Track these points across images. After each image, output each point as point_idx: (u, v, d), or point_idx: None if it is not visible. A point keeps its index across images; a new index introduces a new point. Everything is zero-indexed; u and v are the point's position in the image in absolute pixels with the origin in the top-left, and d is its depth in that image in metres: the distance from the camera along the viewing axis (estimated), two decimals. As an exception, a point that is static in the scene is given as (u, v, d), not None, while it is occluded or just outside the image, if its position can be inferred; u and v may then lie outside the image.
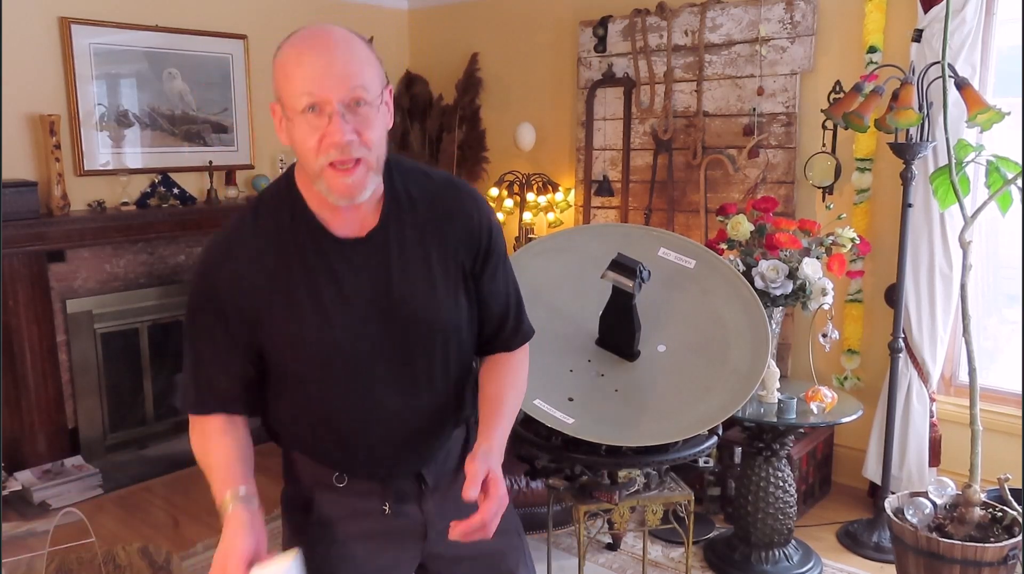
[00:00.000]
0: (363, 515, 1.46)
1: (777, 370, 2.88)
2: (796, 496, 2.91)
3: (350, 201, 1.26)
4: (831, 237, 2.90)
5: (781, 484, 2.84)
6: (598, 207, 4.20)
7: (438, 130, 4.67)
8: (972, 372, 2.47)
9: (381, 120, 1.25)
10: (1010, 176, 2.47)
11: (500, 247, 1.45)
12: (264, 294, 1.30)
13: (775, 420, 2.75)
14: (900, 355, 3.09)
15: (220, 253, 1.33)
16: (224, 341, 1.33)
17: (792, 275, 2.72)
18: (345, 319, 1.32)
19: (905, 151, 2.90)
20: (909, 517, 2.46)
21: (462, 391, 1.50)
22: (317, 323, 1.31)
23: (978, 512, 2.43)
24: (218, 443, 1.36)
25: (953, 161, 2.52)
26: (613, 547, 3.08)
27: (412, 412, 1.41)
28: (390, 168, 1.34)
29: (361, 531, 1.46)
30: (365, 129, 1.21)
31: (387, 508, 1.45)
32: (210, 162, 4.16)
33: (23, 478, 3.53)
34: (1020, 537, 2.35)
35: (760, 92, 3.58)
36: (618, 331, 2.09)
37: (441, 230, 1.37)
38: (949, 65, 2.63)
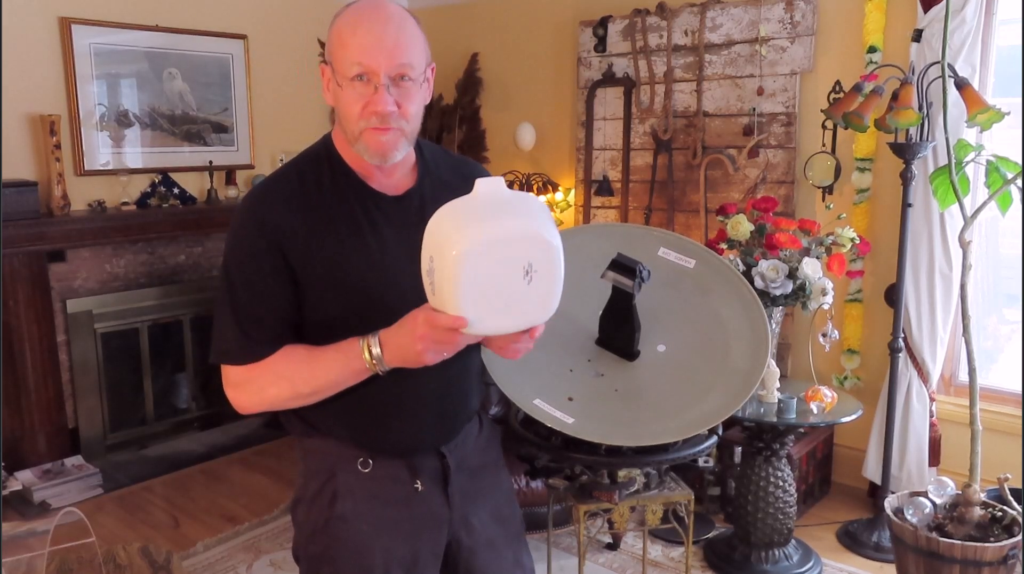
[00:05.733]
0: (389, 503, 1.46)
1: (777, 370, 2.88)
2: (796, 496, 2.91)
3: (383, 160, 1.34)
4: (831, 237, 2.90)
5: (781, 484, 2.84)
6: (598, 207, 4.20)
7: (438, 130, 4.67)
8: (972, 372, 2.47)
9: (421, 95, 1.36)
10: (1010, 176, 2.47)
11: None
12: (306, 232, 1.33)
13: (775, 420, 2.75)
14: (900, 355, 3.09)
15: (264, 193, 1.37)
16: (271, 277, 1.33)
17: (792, 275, 2.72)
18: (384, 265, 1.35)
19: (905, 151, 2.90)
20: (909, 517, 2.46)
21: (479, 361, 1.56)
22: (359, 265, 1.34)
23: (978, 512, 2.43)
24: (291, 358, 1.35)
25: (953, 161, 2.52)
26: (613, 547, 3.08)
27: (442, 374, 1.43)
28: (419, 143, 1.45)
29: (386, 521, 1.46)
30: (405, 102, 1.31)
31: (419, 486, 1.47)
32: (210, 162, 4.16)
33: (23, 478, 3.53)
34: (1020, 537, 2.35)
35: (760, 92, 3.58)
36: (618, 331, 2.09)
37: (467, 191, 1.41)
38: (949, 65, 2.63)
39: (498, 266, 1.16)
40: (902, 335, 3.10)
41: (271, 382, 1.35)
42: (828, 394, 2.80)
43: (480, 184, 1.19)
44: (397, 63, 1.28)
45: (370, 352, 1.29)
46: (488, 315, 1.18)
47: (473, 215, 1.16)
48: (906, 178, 2.93)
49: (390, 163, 1.35)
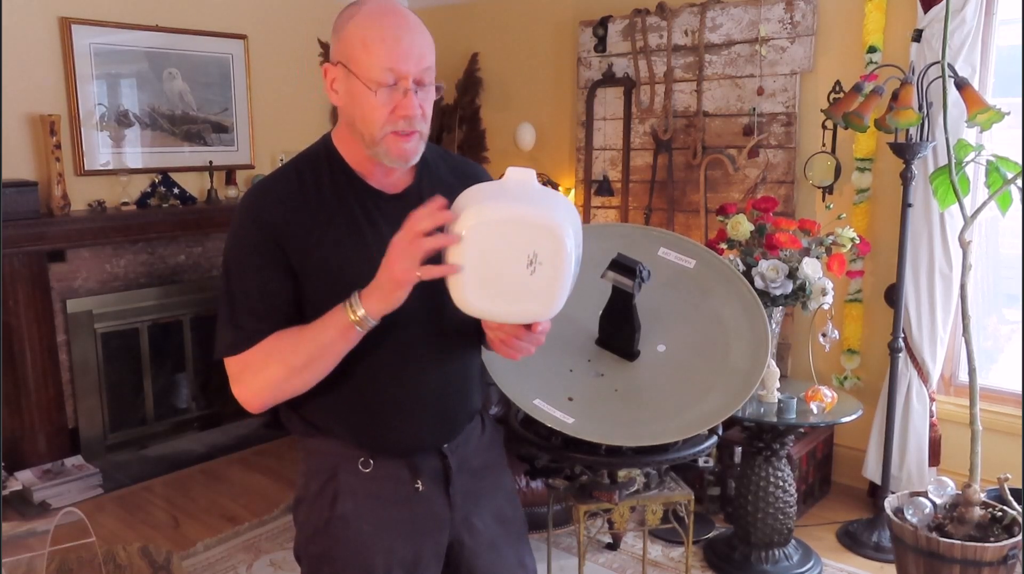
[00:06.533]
0: (390, 503, 1.46)
1: (777, 370, 2.88)
2: (796, 496, 2.91)
3: (405, 164, 1.36)
4: (831, 237, 2.90)
5: (781, 484, 2.84)
6: (598, 207, 4.20)
7: (438, 130, 4.67)
8: (972, 372, 2.47)
9: (433, 96, 1.38)
10: (1010, 176, 2.47)
11: None
12: (304, 230, 1.34)
13: (775, 420, 2.75)
14: (900, 355, 3.09)
15: (263, 192, 1.38)
16: (270, 272, 1.34)
17: (792, 275, 2.72)
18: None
19: (905, 151, 2.90)
20: (909, 517, 2.46)
21: (479, 362, 1.56)
22: (358, 262, 1.34)
23: (978, 512, 2.43)
24: (282, 336, 1.34)
25: (953, 161, 2.52)
26: (613, 547, 3.08)
27: (442, 372, 1.44)
28: None
29: (387, 521, 1.45)
30: (426, 104, 1.35)
31: (420, 485, 1.47)
32: (210, 162, 4.16)
33: (23, 478, 3.53)
34: (1020, 537, 2.35)
35: (760, 92, 3.58)
36: (618, 331, 2.09)
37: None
38: (949, 65, 2.63)
39: (502, 246, 1.17)
40: (902, 335, 3.10)
41: (264, 363, 1.34)
42: (828, 394, 2.80)
43: (511, 171, 1.23)
44: (423, 67, 1.31)
45: (352, 310, 1.28)
46: (484, 294, 1.19)
47: (494, 195, 1.20)
48: (906, 178, 2.93)
49: (409, 166, 1.37)
